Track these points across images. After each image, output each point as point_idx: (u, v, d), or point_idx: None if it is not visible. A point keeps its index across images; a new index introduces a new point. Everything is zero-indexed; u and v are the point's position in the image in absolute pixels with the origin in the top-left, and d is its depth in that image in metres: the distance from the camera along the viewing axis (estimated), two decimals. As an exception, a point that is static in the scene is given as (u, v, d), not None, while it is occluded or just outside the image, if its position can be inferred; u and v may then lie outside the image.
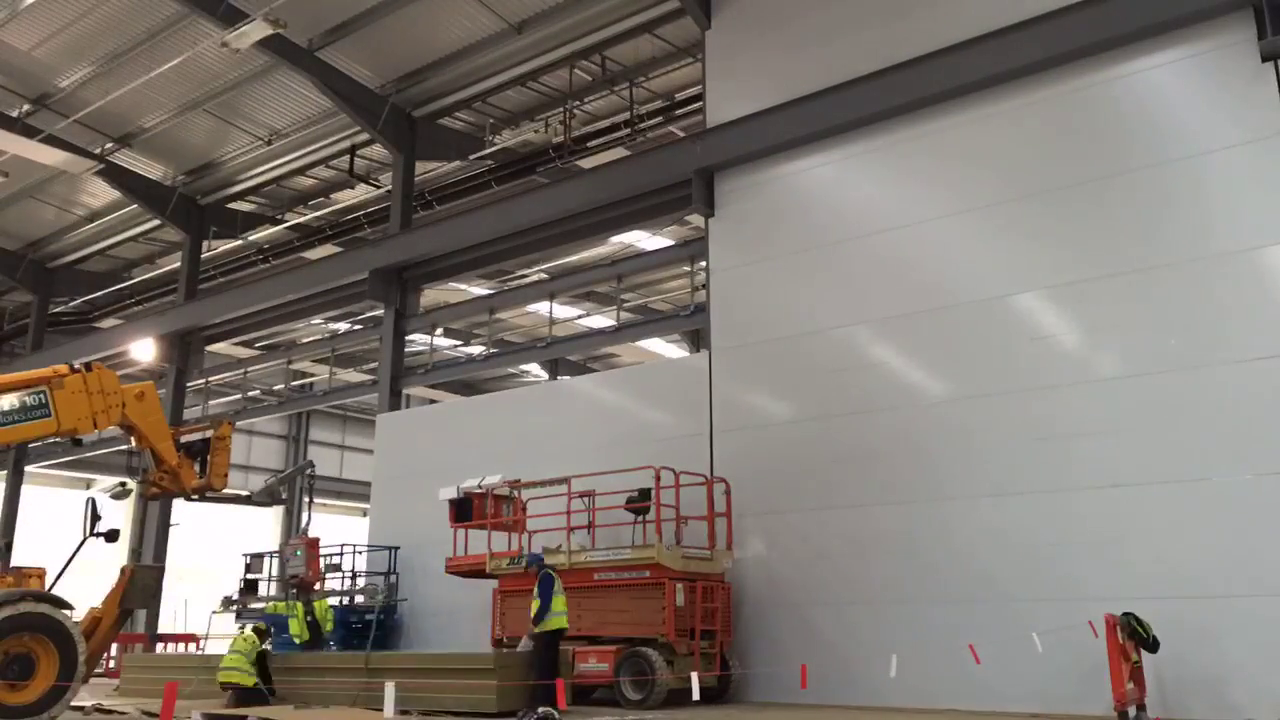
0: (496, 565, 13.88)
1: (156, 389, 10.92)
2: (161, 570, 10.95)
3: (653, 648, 12.08)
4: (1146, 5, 11.71)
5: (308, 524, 14.33)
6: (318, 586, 14.22)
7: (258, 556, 19.02)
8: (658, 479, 12.64)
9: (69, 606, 9.66)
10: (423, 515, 16.87)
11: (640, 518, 13.32)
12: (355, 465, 38.06)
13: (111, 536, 10.76)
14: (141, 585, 10.74)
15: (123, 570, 11.00)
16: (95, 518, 10.74)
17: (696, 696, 9.19)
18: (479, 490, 14.69)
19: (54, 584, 9.88)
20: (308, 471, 14.87)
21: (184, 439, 11.36)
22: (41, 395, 9.84)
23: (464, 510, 14.81)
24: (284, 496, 15.44)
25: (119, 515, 34.94)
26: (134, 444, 10.94)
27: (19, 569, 9.91)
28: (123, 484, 11.36)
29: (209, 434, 11.35)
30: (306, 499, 14.74)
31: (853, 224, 13.83)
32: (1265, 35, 10.98)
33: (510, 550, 14.17)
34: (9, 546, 10.26)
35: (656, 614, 12.22)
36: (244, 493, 12.91)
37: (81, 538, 10.60)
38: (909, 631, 11.97)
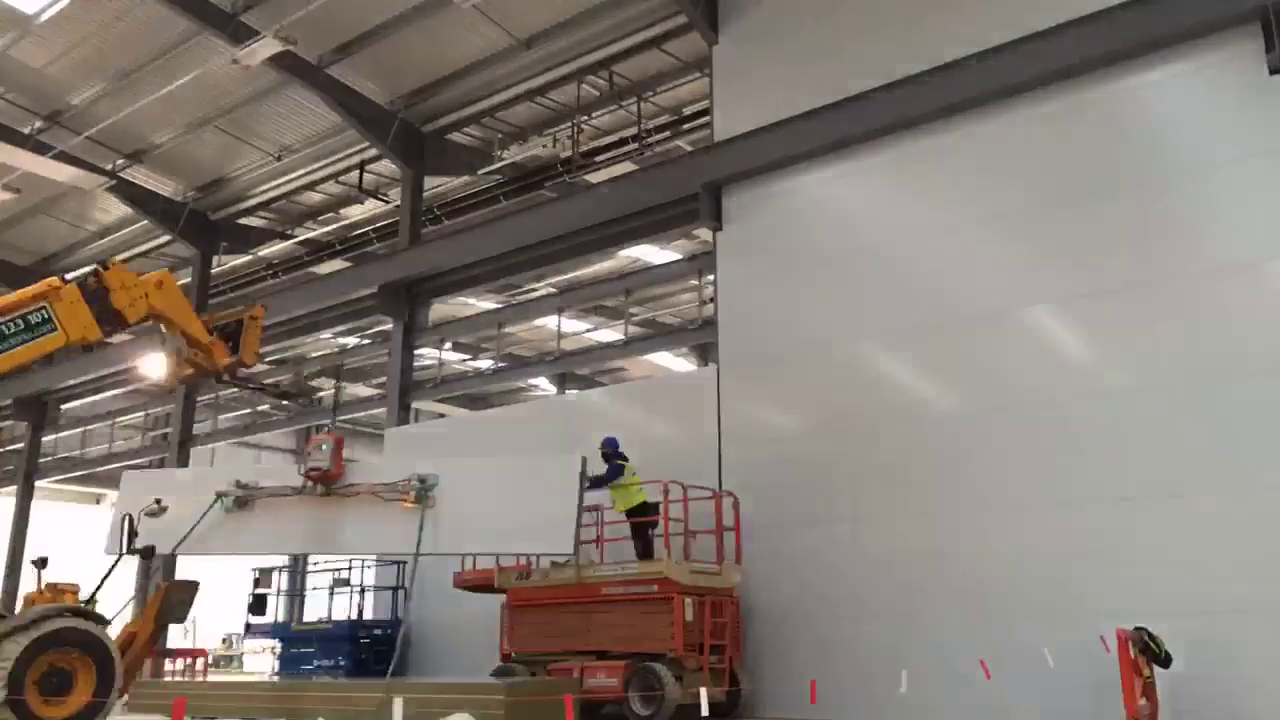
0: (505, 579, 13.85)
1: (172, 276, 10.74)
2: (196, 586, 10.91)
3: (661, 663, 12.04)
4: (1153, 19, 11.71)
5: (334, 421, 13.91)
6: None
7: (266, 571, 19.02)
8: (666, 493, 12.63)
9: (107, 622, 9.71)
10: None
11: (648, 533, 13.29)
12: (364, 480, 38.05)
13: (147, 553, 10.75)
14: (177, 601, 10.74)
15: (158, 587, 11.02)
16: (132, 534, 10.73)
17: (705, 712, 9.12)
18: None
19: (91, 599, 9.92)
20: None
21: (218, 323, 11.24)
22: (44, 311, 9.50)
23: None
24: (315, 396, 15.06)
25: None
26: (164, 331, 10.56)
27: (54, 585, 9.91)
28: (157, 501, 11.31)
29: (243, 316, 11.28)
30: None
31: (861, 237, 13.83)
32: (1273, 48, 10.96)
33: (518, 564, 14.15)
34: (44, 562, 10.23)
35: (665, 629, 12.18)
36: (276, 380, 12.55)
37: (117, 554, 10.61)
38: (919, 646, 11.90)
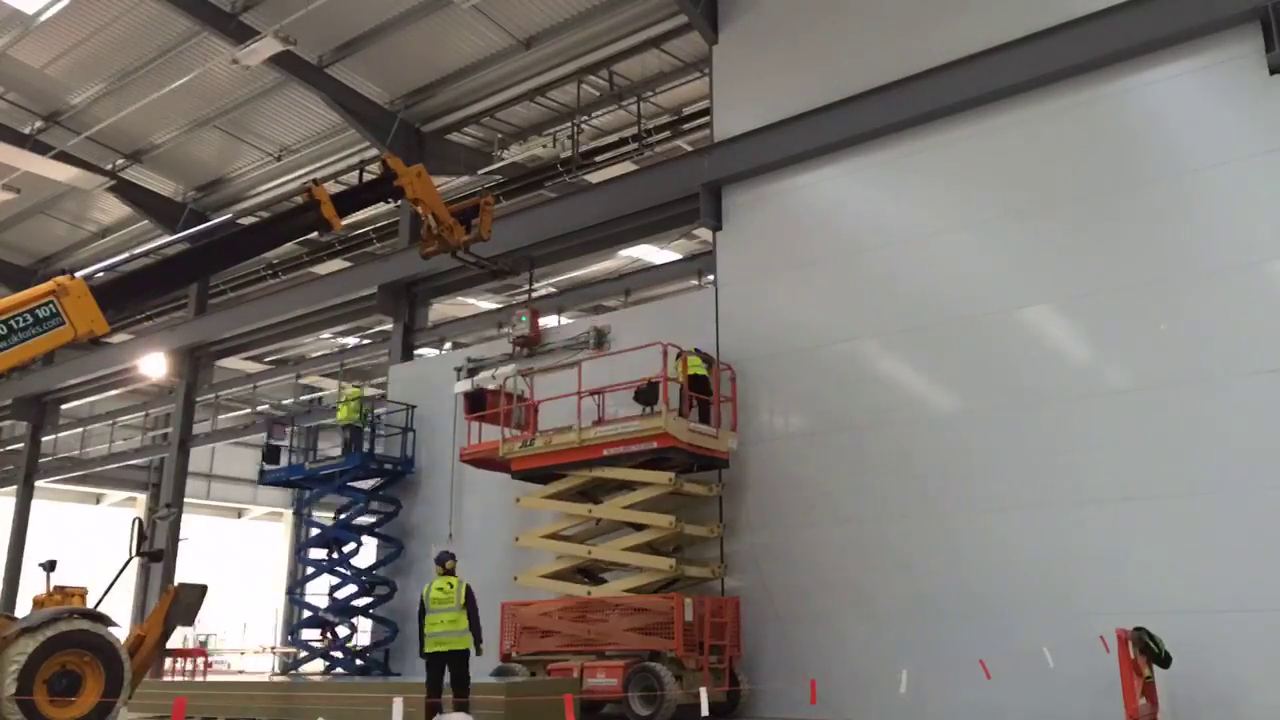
0: (509, 449, 14.23)
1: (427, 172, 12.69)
2: (204, 589, 11.03)
3: (661, 663, 12.04)
4: (1153, 18, 11.71)
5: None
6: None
7: (279, 422, 20.14)
8: (665, 356, 13.14)
9: (114, 624, 9.75)
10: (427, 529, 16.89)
11: (648, 410, 13.38)
12: (364, 479, 38.04)
13: (156, 556, 10.78)
14: (185, 603, 10.80)
15: (166, 589, 11.09)
16: (142, 537, 10.87)
17: (705, 712, 9.13)
18: (493, 388, 15.42)
19: (100, 602, 9.97)
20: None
21: (456, 210, 13.12)
22: (51, 306, 9.72)
23: (478, 403, 15.32)
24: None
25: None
26: (421, 212, 12.87)
27: (62, 588, 9.96)
28: (167, 505, 11.49)
29: (477, 203, 13.26)
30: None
31: (861, 237, 13.84)
32: (1273, 48, 10.98)
33: (523, 434, 14.42)
34: (53, 565, 10.32)
35: (665, 628, 12.18)
36: (493, 257, 14.70)
37: (128, 557, 10.69)
38: (919, 646, 11.90)
